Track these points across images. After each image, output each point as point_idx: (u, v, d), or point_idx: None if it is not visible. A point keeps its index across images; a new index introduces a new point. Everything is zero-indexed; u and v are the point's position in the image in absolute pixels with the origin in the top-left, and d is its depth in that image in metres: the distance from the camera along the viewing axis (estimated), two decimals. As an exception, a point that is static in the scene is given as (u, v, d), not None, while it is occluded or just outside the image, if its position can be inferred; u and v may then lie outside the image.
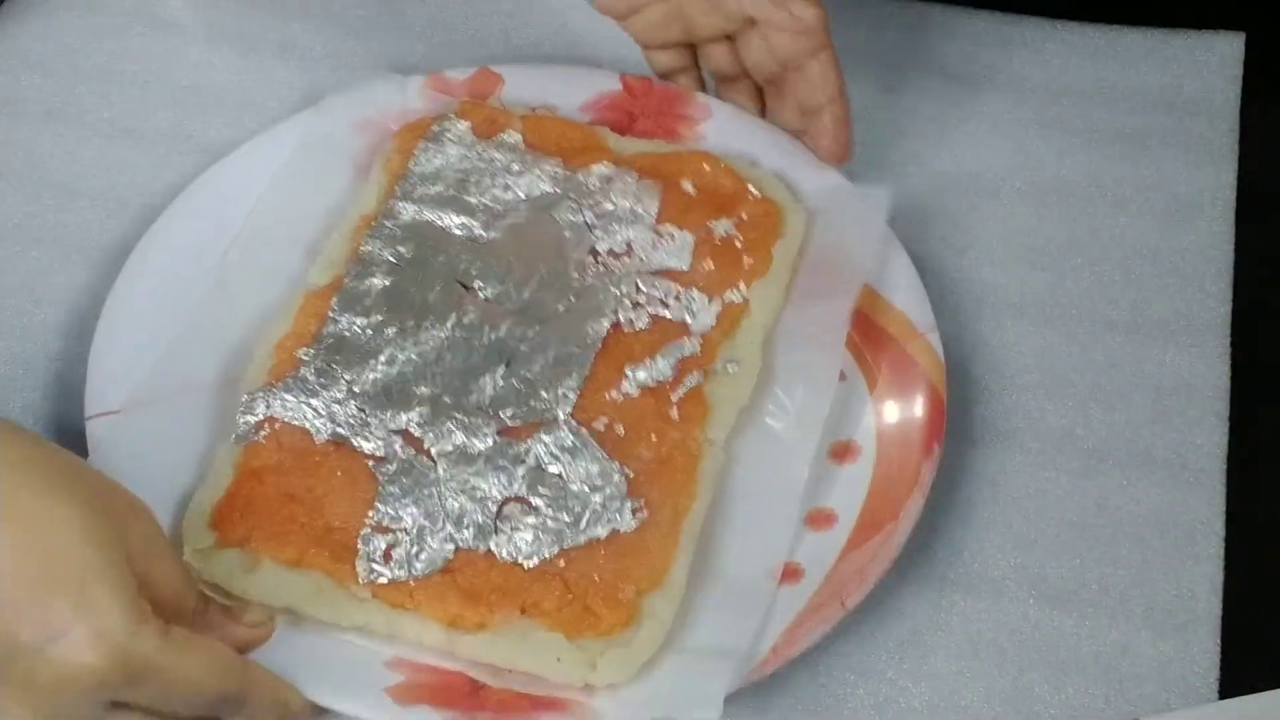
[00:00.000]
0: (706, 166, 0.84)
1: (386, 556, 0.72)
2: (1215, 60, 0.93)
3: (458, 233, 0.82)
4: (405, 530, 0.72)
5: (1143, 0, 0.94)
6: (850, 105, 0.84)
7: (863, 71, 0.92)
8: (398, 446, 0.74)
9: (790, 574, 0.73)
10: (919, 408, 0.77)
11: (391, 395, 0.76)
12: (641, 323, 0.79)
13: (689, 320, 0.79)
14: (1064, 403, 0.82)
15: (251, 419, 0.75)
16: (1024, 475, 0.80)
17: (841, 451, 0.77)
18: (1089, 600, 0.76)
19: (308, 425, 0.75)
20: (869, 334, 0.80)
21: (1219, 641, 0.75)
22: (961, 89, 0.92)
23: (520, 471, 0.74)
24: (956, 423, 0.81)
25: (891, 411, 0.78)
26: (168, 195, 0.85)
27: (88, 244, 0.86)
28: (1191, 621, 0.76)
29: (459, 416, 0.75)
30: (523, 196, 0.83)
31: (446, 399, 0.76)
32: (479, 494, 0.73)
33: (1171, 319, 0.84)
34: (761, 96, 0.88)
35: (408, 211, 0.82)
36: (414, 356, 0.77)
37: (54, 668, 0.59)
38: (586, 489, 0.74)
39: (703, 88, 0.89)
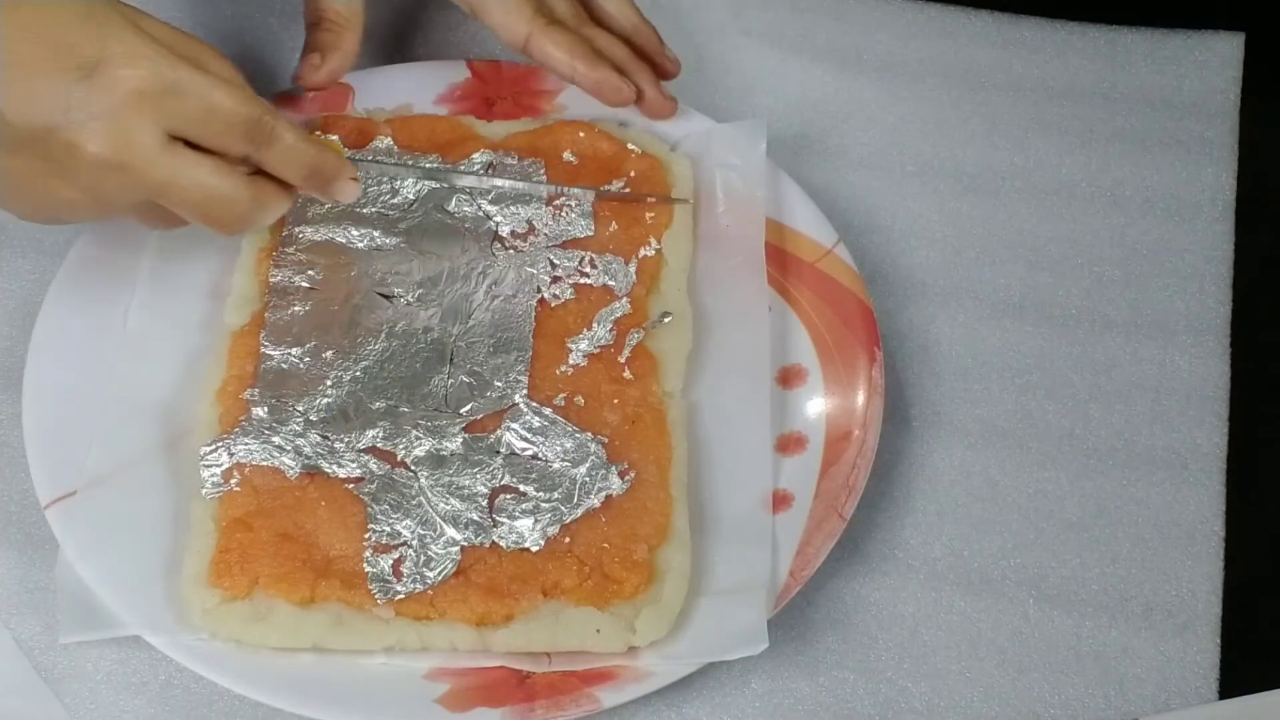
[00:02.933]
0: (581, 134, 0.85)
1: (397, 573, 0.72)
2: (1215, 60, 0.93)
3: (360, 245, 0.81)
4: (406, 544, 0.72)
5: (1143, 0, 0.94)
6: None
7: (863, 71, 0.92)
8: (372, 465, 0.74)
9: (781, 501, 0.75)
10: (849, 319, 0.80)
11: (349, 416, 0.76)
12: (566, 295, 0.80)
13: (611, 283, 0.81)
14: (1064, 403, 0.82)
15: (217, 470, 0.74)
16: (1024, 475, 0.80)
17: (789, 377, 0.80)
18: (1089, 600, 0.77)
19: (276, 464, 0.74)
20: (782, 262, 0.82)
21: (1219, 641, 0.75)
22: (961, 89, 0.92)
23: (498, 462, 0.75)
24: (957, 422, 0.81)
25: (825, 329, 0.80)
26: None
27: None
28: (1191, 621, 0.76)
29: (422, 423, 0.76)
30: (412, 198, 0.83)
31: (404, 409, 0.76)
32: (465, 492, 0.74)
33: (1171, 319, 0.84)
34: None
35: (305, 234, 0.81)
36: (359, 374, 0.77)
37: (104, 87, 0.69)
38: (568, 464, 0.75)
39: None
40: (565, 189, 0.83)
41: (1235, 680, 0.75)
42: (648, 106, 0.86)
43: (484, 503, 0.73)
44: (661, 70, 0.87)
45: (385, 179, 0.83)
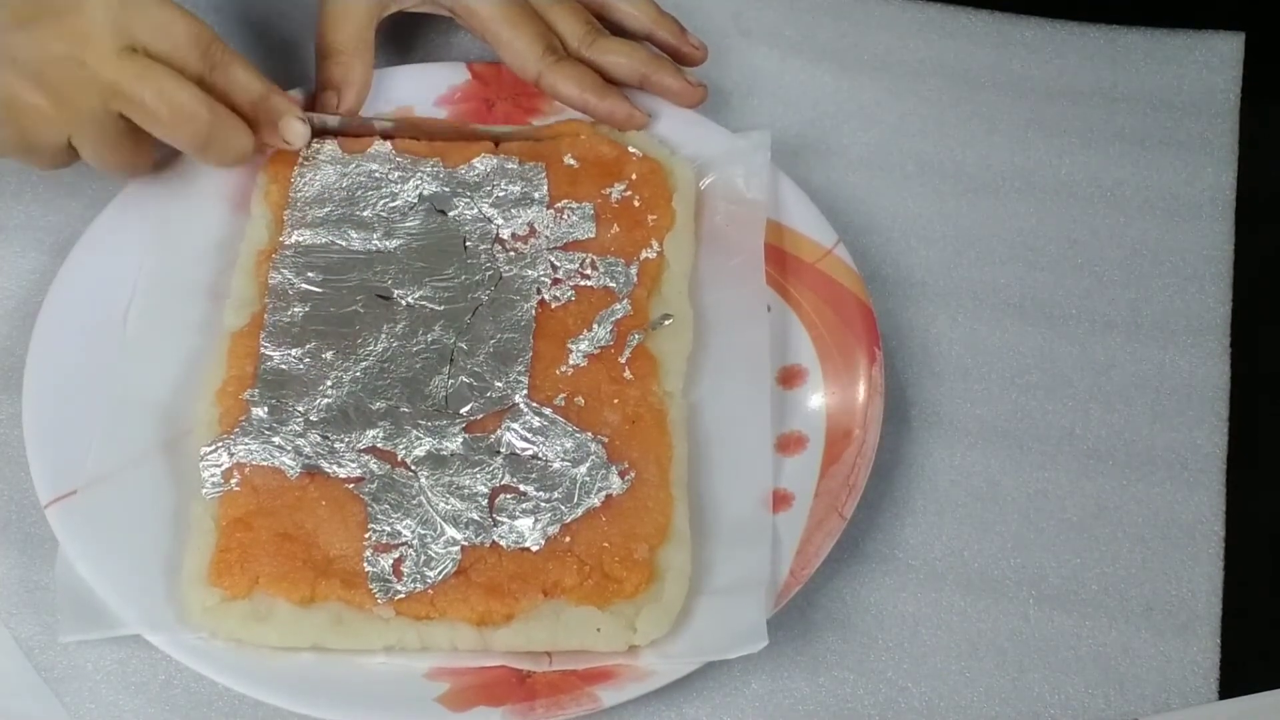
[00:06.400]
0: (582, 136, 0.85)
1: (397, 572, 0.72)
2: (1215, 60, 0.93)
3: (360, 247, 0.81)
4: (407, 543, 0.72)
5: (1143, 0, 0.94)
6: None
7: (863, 71, 0.93)
8: (372, 465, 0.74)
9: (782, 500, 0.76)
10: (849, 319, 0.80)
11: (350, 417, 0.76)
12: (567, 296, 0.80)
13: (612, 284, 0.81)
14: (1064, 403, 0.82)
15: (218, 470, 0.74)
16: (1024, 475, 0.80)
17: (790, 377, 0.80)
18: (1089, 600, 0.77)
19: (276, 464, 0.74)
20: (782, 263, 0.83)
21: (1219, 641, 0.75)
22: (961, 89, 0.92)
23: (498, 462, 0.75)
24: (957, 423, 0.81)
25: (825, 329, 0.80)
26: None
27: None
28: (1191, 621, 0.76)
29: (422, 423, 0.76)
30: (414, 200, 0.83)
31: (404, 409, 0.76)
32: (466, 492, 0.74)
33: (1171, 319, 0.84)
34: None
35: (305, 237, 0.81)
36: (359, 375, 0.77)
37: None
38: (568, 464, 0.75)
39: None
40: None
41: (1235, 680, 0.75)
42: (676, 97, 0.86)
43: (484, 502, 0.74)
44: (686, 58, 0.88)
45: (385, 184, 0.83)
